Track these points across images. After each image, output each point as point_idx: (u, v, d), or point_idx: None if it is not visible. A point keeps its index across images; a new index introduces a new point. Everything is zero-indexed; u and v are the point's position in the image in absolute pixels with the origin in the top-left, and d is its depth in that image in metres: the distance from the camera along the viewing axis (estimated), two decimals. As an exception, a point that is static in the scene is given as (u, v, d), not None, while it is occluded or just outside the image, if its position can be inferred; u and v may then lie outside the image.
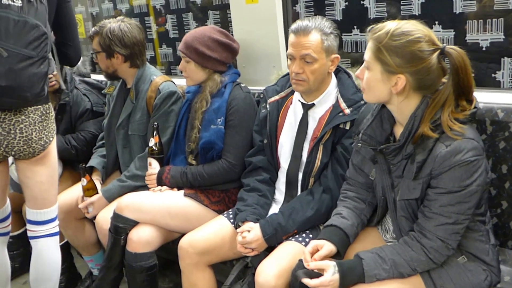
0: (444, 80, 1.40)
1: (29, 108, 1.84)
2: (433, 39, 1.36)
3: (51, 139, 1.94)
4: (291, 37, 1.80)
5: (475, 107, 1.40)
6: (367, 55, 1.42)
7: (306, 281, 1.44)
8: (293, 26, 1.80)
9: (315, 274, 1.46)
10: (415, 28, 1.36)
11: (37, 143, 1.88)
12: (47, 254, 2.07)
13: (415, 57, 1.34)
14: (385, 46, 1.35)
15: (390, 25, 1.37)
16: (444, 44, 1.38)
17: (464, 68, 1.35)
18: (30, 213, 2.04)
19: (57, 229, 2.10)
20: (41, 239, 2.05)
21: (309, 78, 1.79)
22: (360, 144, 1.57)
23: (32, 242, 2.07)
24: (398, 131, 1.49)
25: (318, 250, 1.52)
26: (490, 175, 1.52)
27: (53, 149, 1.98)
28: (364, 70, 1.45)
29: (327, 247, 1.52)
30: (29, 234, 2.06)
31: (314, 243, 1.54)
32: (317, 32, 1.76)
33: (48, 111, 1.92)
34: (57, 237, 2.11)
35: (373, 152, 1.55)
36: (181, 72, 2.21)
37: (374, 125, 1.54)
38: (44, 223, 2.04)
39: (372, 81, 1.42)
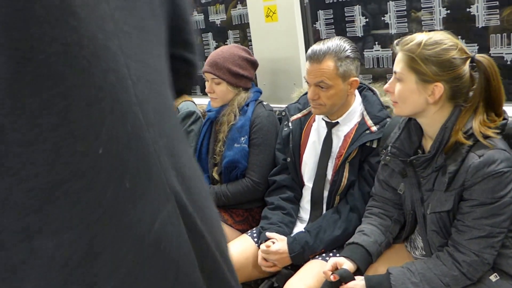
0: (472, 89, 1.41)
1: None
2: (463, 48, 1.39)
3: None
4: (306, 64, 1.79)
5: (504, 119, 1.40)
6: (399, 67, 1.41)
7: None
8: (308, 52, 1.79)
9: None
10: (446, 37, 1.39)
11: None
12: None
13: (450, 65, 1.35)
14: (419, 55, 1.36)
15: (421, 36, 1.39)
16: (473, 53, 1.40)
17: (495, 75, 1.37)
18: None
19: None
20: None
21: (326, 103, 1.78)
22: (388, 158, 1.55)
23: None
24: (427, 143, 1.49)
25: (337, 268, 1.51)
26: None
27: None
28: (394, 83, 1.44)
29: (347, 265, 1.51)
30: None
31: (333, 260, 1.54)
32: (330, 58, 1.73)
33: None
34: None
35: (402, 165, 1.53)
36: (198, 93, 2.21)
37: (403, 138, 1.53)
38: None
39: (406, 92, 1.41)
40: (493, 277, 1.42)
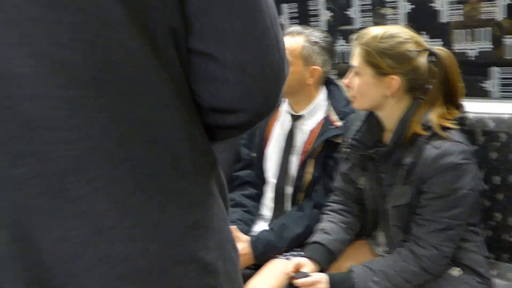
0: (432, 81, 1.42)
1: None
2: (419, 40, 1.40)
3: None
4: None
5: (462, 113, 1.42)
6: (356, 61, 1.41)
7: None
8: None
9: None
10: (401, 30, 1.41)
11: None
12: None
13: (405, 57, 1.36)
14: (375, 49, 1.37)
15: (376, 30, 1.40)
16: (431, 46, 1.42)
17: (453, 68, 1.39)
18: None
19: None
20: None
21: None
22: (348, 150, 1.54)
23: None
24: (387, 137, 1.48)
25: (298, 270, 1.49)
26: (482, 184, 1.51)
27: None
28: (353, 77, 1.43)
29: (309, 266, 1.49)
30: None
31: (295, 261, 1.51)
32: (301, 38, 1.76)
33: None
34: None
35: (362, 159, 1.52)
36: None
37: (363, 130, 1.53)
38: None
39: (364, 86, 1.41)
40: (456, 272, 1.43)
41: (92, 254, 0.50)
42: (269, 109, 0.63)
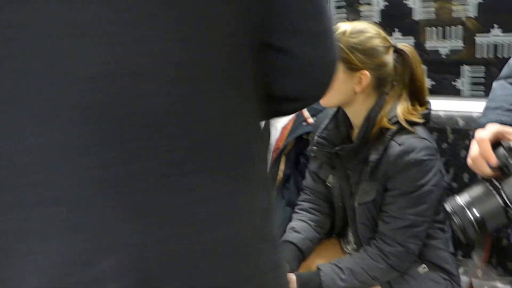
0: (397, 78, 1.42)
1: None
2: (386, 36, 1.41)
3: None
4: None
5: (427, 109, 1.42)
6: None
7: None
8: None
9: None
10: (368, 26, 1.41)
11: None
12: None
13: (374, 52, 1.36)
14: (346, 44, 1.35)
15: (344, 25, 1.40)
16: (394, 42, 1.43)
17: (418, 63, 1.40)
18: None
19: None
20: None
21: None
22: (315, 148, 1.53)
23: None
24: (355, 134, 1.48)
25: None
26: (447, 179, 1.53)
27: None
28: None
29: None
30: None
31: None
32: None
33: None
34: None
35: (329, 157, 1.51)
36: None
37: (330, 128, 1.52)
38: None
39: (334, 82, 1.38)
40: (422, 269, 1.44)
41: (194, 242, 0.53)
42: (321, 98, 0.70)
